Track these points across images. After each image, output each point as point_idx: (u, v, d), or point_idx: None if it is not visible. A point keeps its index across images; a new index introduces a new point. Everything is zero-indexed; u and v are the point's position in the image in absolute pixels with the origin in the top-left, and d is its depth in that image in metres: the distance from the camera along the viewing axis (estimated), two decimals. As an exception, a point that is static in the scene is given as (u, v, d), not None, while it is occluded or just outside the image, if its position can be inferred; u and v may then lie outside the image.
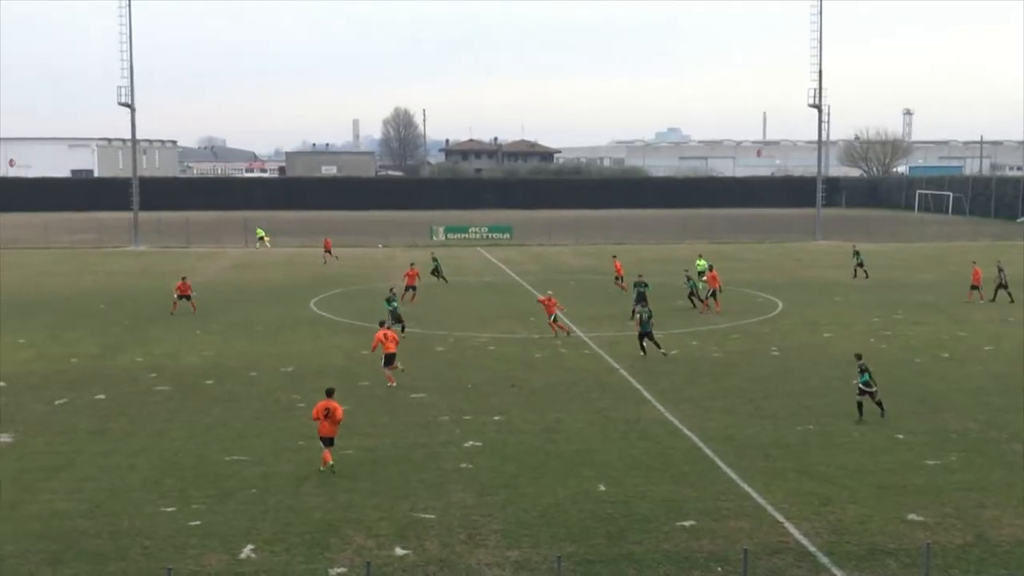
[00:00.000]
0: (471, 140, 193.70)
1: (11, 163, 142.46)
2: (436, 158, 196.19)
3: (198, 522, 18.77)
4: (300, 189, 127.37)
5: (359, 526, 18.60)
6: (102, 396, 28.35)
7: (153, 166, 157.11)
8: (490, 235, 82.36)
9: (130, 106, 77.10)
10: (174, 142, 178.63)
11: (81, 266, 62.38)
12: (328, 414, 21.44)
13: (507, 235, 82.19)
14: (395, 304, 37.53)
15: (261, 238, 75.26)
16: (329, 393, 21.90)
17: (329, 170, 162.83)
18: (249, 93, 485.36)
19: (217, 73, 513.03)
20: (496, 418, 25.98)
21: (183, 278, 44.54)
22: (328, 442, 21.49)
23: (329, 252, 64.50)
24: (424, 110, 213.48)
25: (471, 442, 23.91)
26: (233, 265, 63.91)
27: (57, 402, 27.83)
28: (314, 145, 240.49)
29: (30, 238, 78.53)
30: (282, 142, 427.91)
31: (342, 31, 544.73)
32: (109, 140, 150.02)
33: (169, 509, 19.46)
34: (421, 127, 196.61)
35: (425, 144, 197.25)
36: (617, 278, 49.07)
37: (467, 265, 61.55)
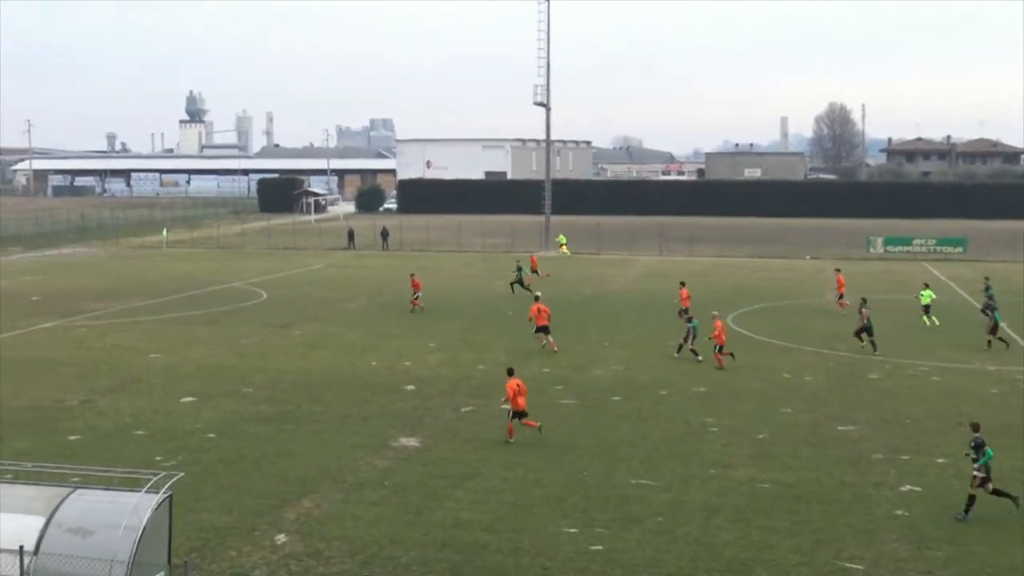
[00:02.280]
0: (918, 139, 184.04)
1: (428, 164, 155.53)
2: (876, 159, 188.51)
3: (600, 547, 19.33)
4: (720, 193, 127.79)
5: (775, 570, 18.24)
6: (508, 406, 30.08)
7: (567, 168, 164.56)
8: (938, 248, 77.73)
9: (545, 105, 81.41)
10: (588, 143, 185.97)
11: (491, 270, 66.78)
12: (519, 389, 26.48)
13: (960, 249, 77.11)
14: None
15: (562, 245, 77.40)
16: (511, 372, 27.36)
17: (752, 172, 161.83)
18: (667, 90, 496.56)
19: (634, 70, 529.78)
20: (939, 460, 24.42)
21: (412, 275, 49.67)
22: (523, 414, 26.42)
23: (535, 271, 59.22)
24: (863, 105, 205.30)
25: (908, 486, 22.66)
26: (645, 274, 65.40)
27: (464, 409, 29.96)
28: (736, 145, 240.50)
29: (444, 240, 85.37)
30: (701, 142, 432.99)
31: (770, 21, 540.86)
32: (523, 141, 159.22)
33: (571, 530, 20.22)
34: (859, 124, 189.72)
35: (863, 143, 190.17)
36: None
37: (909, 282, 58.46)
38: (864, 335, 38.06)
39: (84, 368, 35.49)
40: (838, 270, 51.47)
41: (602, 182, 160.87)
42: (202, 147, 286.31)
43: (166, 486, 16.28)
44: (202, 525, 20.65)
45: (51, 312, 48.42)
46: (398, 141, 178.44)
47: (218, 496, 22.36)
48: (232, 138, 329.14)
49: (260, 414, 29.38)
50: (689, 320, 37.63)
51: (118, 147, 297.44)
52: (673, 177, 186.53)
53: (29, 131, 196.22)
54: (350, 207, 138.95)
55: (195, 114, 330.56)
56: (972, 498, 20.62)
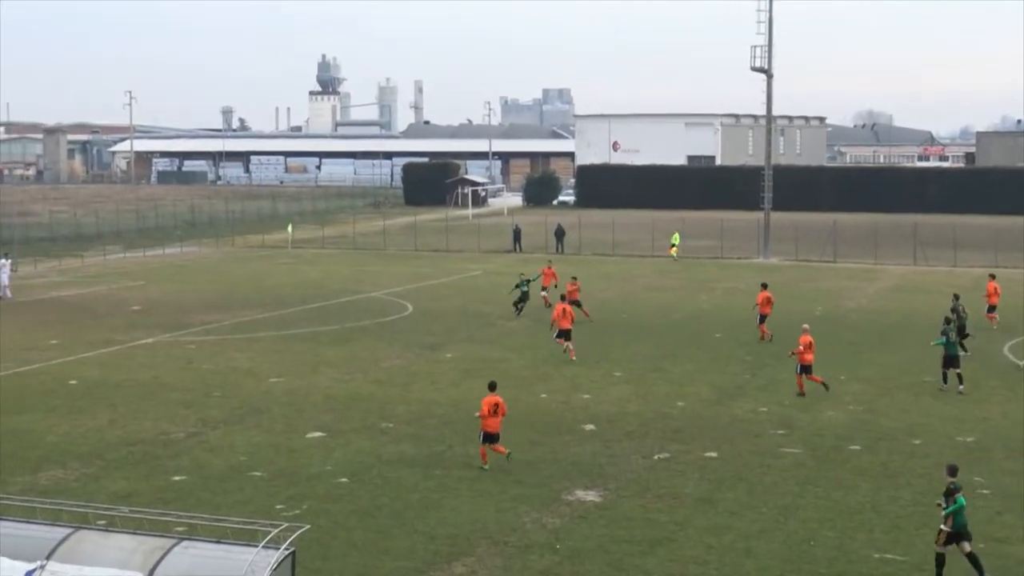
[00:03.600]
0: None
1: (615, 146, 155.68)
2: None
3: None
4: (993, 184, 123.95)
5: None
6: (714, 454, 29.90)
7: (793, 151, 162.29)
8: None
9: (766, 72, 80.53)
10: (821, 119, 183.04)
11: (695, 281, 66.38)
12: (496, 410, 28.83)
13: None
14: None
15: (673, 246, 79.06)
16: (492, 387, 29.76)
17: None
18: (926, 52, 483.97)
19: (882, 26, 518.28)
20: None
21: (573, 278, 51.57)
22: (493, 438, 28.75)
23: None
24: None
25: None
26: (894, 288, 63.97)
27: (657, 456, 29.88)
28: (1019, 122, 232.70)
29: (634, 241, 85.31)
30: (971, 119, 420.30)
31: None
32: (737, 117, 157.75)
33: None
34: None
35: None
36: None
37: None
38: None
39: (192, 394, 36.82)
40: (992, 276, 51.91)
41: (839, 169, 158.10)
42: (336, 124, 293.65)
43: (288, 540, 16.74)
44: (330, 591, 21.15)
45: (154, 325, 50.47)
46: (577, 117, 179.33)
47: (349, 556, 22.87)
48: (373, 113, 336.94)
49: (402, 456, 29.93)
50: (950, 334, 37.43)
51: (235, 124, 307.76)
52: (933, 163, 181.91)
53: (130, 105, 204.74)
54: (516, 199, 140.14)
55: (328, 84, 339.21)
56: (940, 557, 21.34)
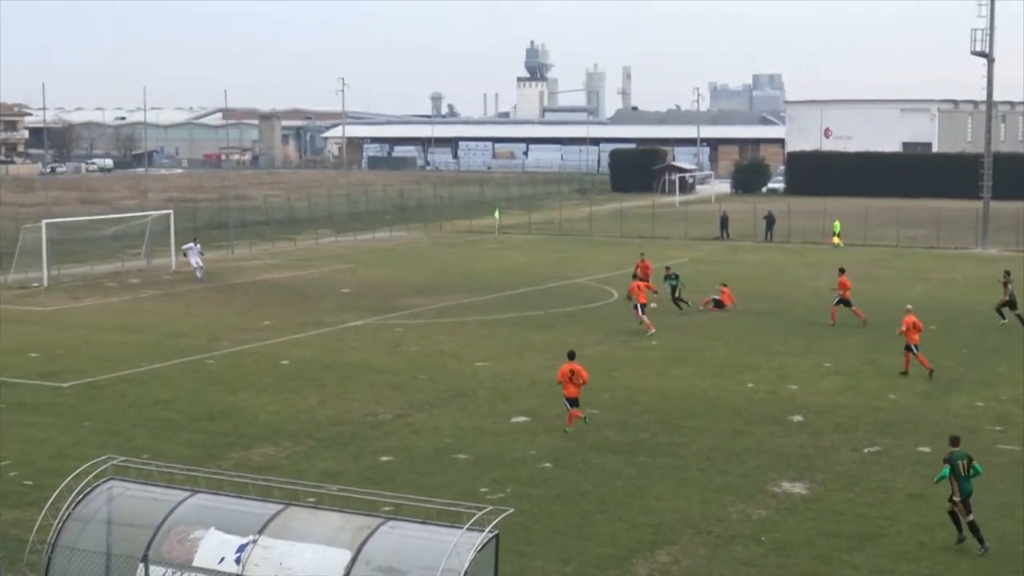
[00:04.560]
0: None
1: (827, 133, 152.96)
2: None
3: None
4: None
5: None
6: (927, 449, 29.12)
7: (1015, 137, 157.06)
8: None
9: (987, 56, 78.02)
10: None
11: (909, 272, 64.80)
12: (572, 376, 30.57)
13: None
14: None
15: (835, 235, 79.14)
16: (571, 356, 31.31)
17: None
18: None
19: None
20: None
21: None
22: (574, 402, 30.62)
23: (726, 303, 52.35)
24: None
25: None
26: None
27: (867, 449, 29.28)
28: None
29: (846, 230, 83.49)
30: None
31: None
32: (955, 103, 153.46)
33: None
34: None
35: None
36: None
37: None
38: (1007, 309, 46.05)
39: (399, 376, 37.50)
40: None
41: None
42: (544, 110, 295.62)
43: (492, 523, 16.90)
44: (532, 575, 21.29)
45: (363, 308, 51.56)
46: (787, 103, 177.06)
47: (553, 540, 23.00)
48: (580, 99, 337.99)
49: (607, 442, 29.97)
50: None
51: (444, 110, 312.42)
52: None
53: (343, 91, 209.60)
54: (724, 186, 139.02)
55: (536, 70, 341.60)
56: (971, 525, 22.47)
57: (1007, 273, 47.87)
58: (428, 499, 19.65)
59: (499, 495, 25.28)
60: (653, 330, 44.81)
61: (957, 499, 22.50)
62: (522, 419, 32.22)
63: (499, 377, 37.45)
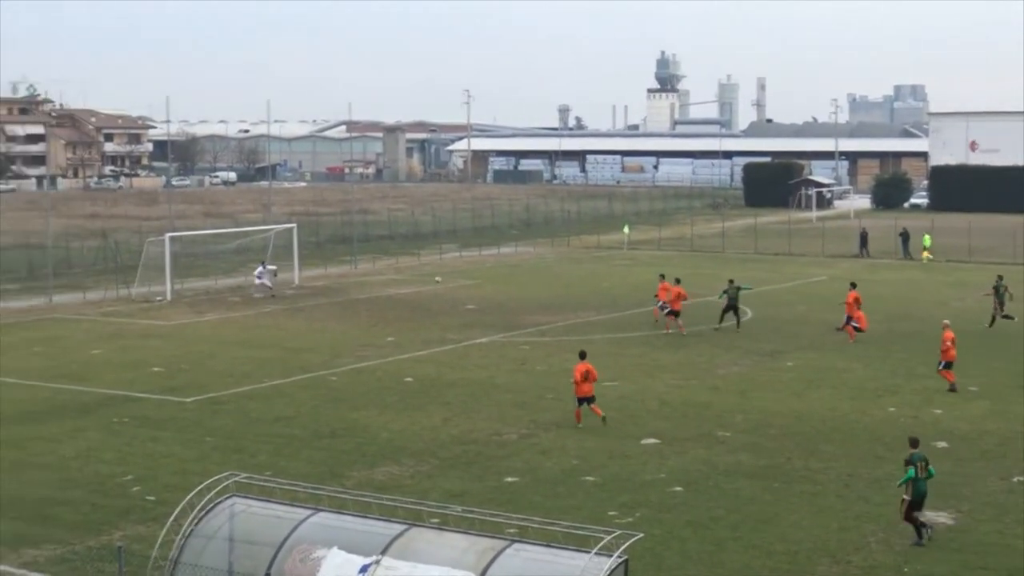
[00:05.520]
0: None
1: (973, 146, 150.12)
2: None
3: None
4: None
5: None
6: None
7: None
8: None
9: None
10: None
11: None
12: (587, 376, 32.97)
13: None
14: None
15: (924, 249, 78.15)
16: (582, 356, 33.66)
17: None
18: None
19: None
20: None
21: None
22: (589, 400, 33.16)
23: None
24: None
25: None
26: None
27: (1017, 479, 28.61)
28: None
29: (994, 248, 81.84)
30: None
31: None
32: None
33: None
34: None
35: None
36: None
37: None
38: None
39: (525, 395, 37.55)
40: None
41: None
42: (674, 123, 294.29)
43: (621, 548, 16.80)
44: (663, 603, 21.14)
45: (488, 324, 51.75)
46: (931, 115, 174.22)
47: (684, 567, 22.82)
48: (712, 111, 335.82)
49: (740, 466, 29.68)
50: None
51: (571, 123, 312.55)
52: None
53: (468, 104, 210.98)
54: (864, 201, 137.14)
55: (667, 81, 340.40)
56: (914, 523, 24.23)
57: (1000, 278, 51.19)
58: (554, 522, 19.62)
59: (628, 519, 25.16)
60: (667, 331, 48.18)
61: (908, 499, 24.09)
62: (652, 441, 32.04)
63: (628, 397, 37.30)
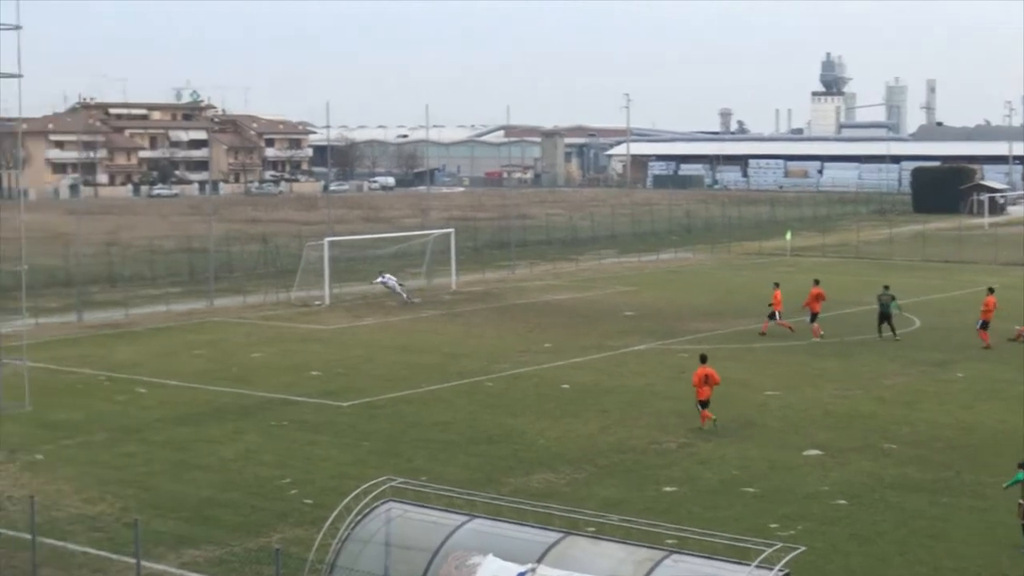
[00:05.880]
0: None
1: None
2: None
3: None
4: None
5: None
6: None
7: None
8: None
9: None
10: None
11: None
12: (707, 380, 33.91)
13: None
14: None
15: None
16: (704, 359, 35.02)
17: None
18: None
19: None
20: None
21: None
22: (705, 404, 33.95)
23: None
24: None
25: None
26: None
27: None
28: None
29: None
30: None
31: None
32: None
33: None
34: None
35: None
36: None
37: None
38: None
39: (684, 403, 37.29)
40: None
41: None
42: (840, 127, 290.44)
43: (783, 562, 16.61)
44: (825, 618, 20.83)
45: (646, 331, 51.58)
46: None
47: (847, 583, 22.45)
48: (880, 114, 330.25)
49: (906, 479, 29.14)
50: None
51: (733, 127, 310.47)
52: None
53: (627, 108, 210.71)
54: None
55: (832, 84, 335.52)
56: None
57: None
58: (714, 533, 19.48)
59: (789, 532, 24.84)
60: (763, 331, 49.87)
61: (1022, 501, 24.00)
62: (815, 452, 31.60)
63: (790, 407, 36.88)
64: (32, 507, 22.45)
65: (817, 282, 51.71)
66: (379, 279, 62.34)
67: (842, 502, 27.35)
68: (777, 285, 51.85)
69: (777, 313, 50.55)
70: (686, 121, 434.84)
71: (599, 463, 30.77)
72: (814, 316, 50.14)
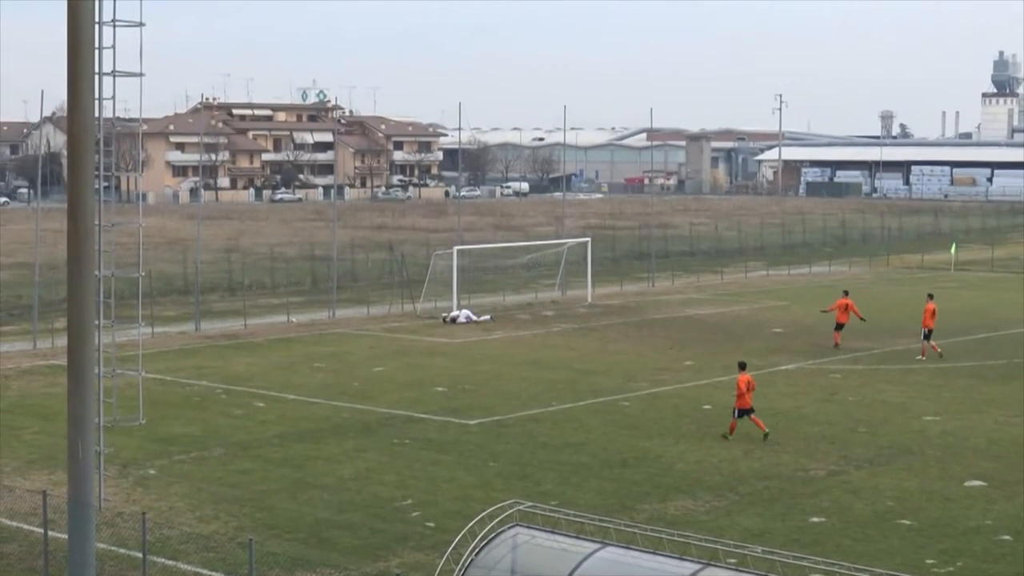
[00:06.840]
0: None
1: None
2: None
3: None
4: None
5: None
6: None
7: None
8: None
9: None
10: None
11: None
12: (749, 387, 35.32)
13: None
14: None
15: None
16: (742, 367, 36.61)
17: None
18: None
19: None
20: None
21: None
22: (747, 412, 35.27)
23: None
24: None
25: None
26: None
27: None
28: None
29: None
30: None
31: None
32: None
33: None
34: None
35: None
36: None
37: None
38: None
39: (835, 428, 36.89)
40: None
41: None
42: (1012, 131, 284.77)
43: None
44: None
45: (795, 350, 51.11)
46: None
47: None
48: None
49: (1078, 515, 28.43)
50: None
51: (895, 130, 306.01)
52: None
53: (780, 110, 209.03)
54: None
55: (1005, 85, 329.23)
56: None
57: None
58: (865, 568, 19.23)
59: (948, 569, 24.48)
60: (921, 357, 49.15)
61: None
62: (977, 483, 31.01)
63: (951, 434, 36.23)
64: (143, 524, 22.82)
65: (931, 296, 51.18)
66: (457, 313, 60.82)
67: (1007, 538, 26.80)
68: (931, 296, 51.14)
69: (926, 331, 49.91)
70: (843, 124, 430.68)
71: (741, 490, 30.52)
72: (928, 333, 49.57)
